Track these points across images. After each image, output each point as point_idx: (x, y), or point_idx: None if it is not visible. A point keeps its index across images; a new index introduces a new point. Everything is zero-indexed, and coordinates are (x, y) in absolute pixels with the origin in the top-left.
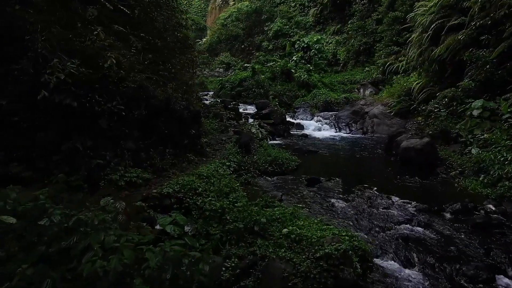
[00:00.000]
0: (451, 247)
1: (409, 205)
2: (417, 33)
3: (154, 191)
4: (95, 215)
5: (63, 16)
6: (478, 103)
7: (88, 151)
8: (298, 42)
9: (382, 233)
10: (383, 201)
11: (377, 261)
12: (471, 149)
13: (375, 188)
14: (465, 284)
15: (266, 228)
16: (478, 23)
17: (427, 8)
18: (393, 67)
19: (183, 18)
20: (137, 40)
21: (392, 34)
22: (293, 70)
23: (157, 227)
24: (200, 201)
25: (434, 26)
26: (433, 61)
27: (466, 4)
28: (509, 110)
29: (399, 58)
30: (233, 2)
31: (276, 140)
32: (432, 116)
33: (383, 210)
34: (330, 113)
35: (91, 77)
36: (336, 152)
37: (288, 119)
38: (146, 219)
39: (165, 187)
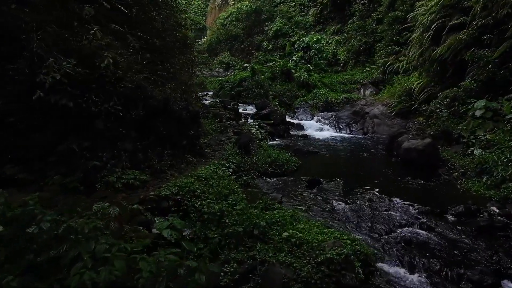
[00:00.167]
0: (455, 251)
1: (411, 207)
2: (418, 33)
3: (151, 193)
4: (85, 223)
5: (60, 15)
6: (481, 103)
7: (85, 152)
8: (298, 42)
9: (384, 236)
10: (384, 203)
11: (379, 265)
12: (473, 150)
13: (377, 190)
14: None
15: (266, 232)
16: (479, 23)
17: (428, 8)
18: (394, 67)
19: (182, 17)
20: (135, 39)
21: (392, 34)
22: (293, 70)
23: (155, 230)
24: (199, 203)
25: (435, 26)
26: (434, 61)
27: (467, 3)
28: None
29: (400, 58)
30: (232, 2)
31: (276, 140)
32: (434, 117)
33: (385, 212)
34: (330, 113)
35: (88, 77)
36: (337, 152)
37: (288, 119)
38: (143, 222)
39: (163, 189)
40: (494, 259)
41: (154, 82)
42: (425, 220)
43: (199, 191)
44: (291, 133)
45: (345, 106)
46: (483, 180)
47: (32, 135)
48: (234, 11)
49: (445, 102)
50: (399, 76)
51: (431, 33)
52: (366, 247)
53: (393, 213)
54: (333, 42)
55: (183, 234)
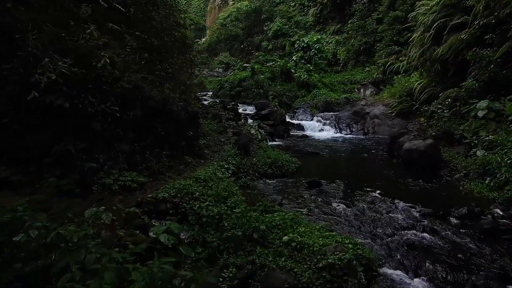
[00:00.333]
0: (459, 255)
1: (414, 209)
2: (419, 33)
3: (149, 195)
4: (75, 231)
5: (56, 14)
6: (483, 103)
7: (81, 154)
8: (297, 42)
9: (386, 239)
10: (386, 205)
11: (382, 270)
12: (476, 151)
13: (378, 191)
14: None
15: (265, 236)
16: (481, 22)
17: (429, 7)
18: (394, 67)
19: (182, 17)
20: (132, 39)
21: (392, 33)
22: (292, 70)
23: (152, 234)
24: (197, 206)
25: (436, 26)
26: (435, 61)
27: (468, 3)
28: None
29: (400, 58)
30: (232, 2)
31: (276, 141)
32: (435, 117)
33: (387, 214)
34: (331, 113)
35: (84, 77)
36: (337, 153)
37: (288, 119)
38: (140, 226)
39: (160, 191)
40: (499, 263)
41: (152, 82)
42: (427, 222)
43: (198, 193)
44: (291, 133)
45: (345, 106)
46: (486, 182)
47: (27, 136)
48: (233, 11)
49: (447, 102)
50: (399, 76)
51: (432, 32)
52: (368, 251)
53: (395, 215)
54: (333, 42)
55: (181, 237)
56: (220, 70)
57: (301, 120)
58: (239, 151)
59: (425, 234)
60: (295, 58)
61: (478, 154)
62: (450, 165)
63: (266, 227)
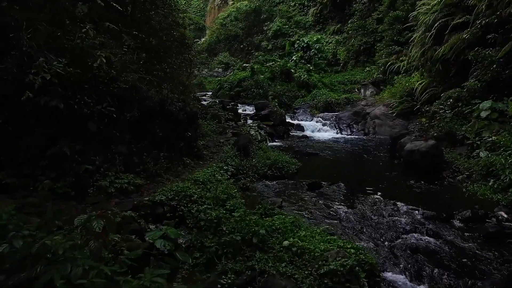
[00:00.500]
0: (464, 259)
1: (416, 212)
2: (420, 32)
3: (145, 198)
4: (60, 243)
5: (51, 13)
6: (487, 104)
7: (76, 156)
8: (297, 41)
9: (389, 243)
10: (388, 207)
11: (385, 275)
12: (479, 152)
13: (379, 193)
14: None
15: (265, 240)
16: (483, 22)
17: (430, 7)
18: (394, 67)
19: (181, 16)
20: (130, 38)
21: (393, 33)
22: (292, 70)
23: (148, 239)
24: (195, 209)
25: (437, 25)
26: (437, 61)
27: (470, 2)
28: None
29: (401, 58)
30: (232, 2)
31: (276, 141)
32: (437, 117)
33: (389, 217)
34: (331, 113)
35: (80, 77)
36: (338, 154)
37: (288, 120)
38: (136, 230)
39: (158, 194)
40: (505, 269)
41: (150, 83)
42: (431, 226)
43: (196, 195)
44: (291, 134)
45: (345, 107)
46: (490, 184)
47: (21, 138)
48: (233, 10)
49: (449, 103)
50: (400, 76)
51: (433, 32)
52: (371, 256)
53: (397, 218)
54: (333, 42)
55: (179, 242)
56: (220, 70)
57: (301, 120)
58: (239, 152)
59: (429, 238)
60: (295, 58)
61: (481, 155)
62: (453, 167)
63: (266, 231)
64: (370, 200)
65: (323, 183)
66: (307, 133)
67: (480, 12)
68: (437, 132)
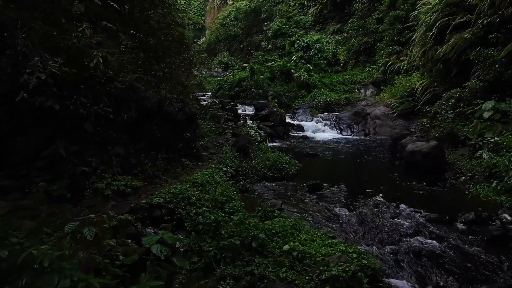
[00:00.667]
0: (468, 264)
1: (419, 214)
2: (421, 32)
3: (143, 201)
4: (46, 253)
5: (47, 11)
6: (489, 104)
7: (72, 157)
8: (297, 41)
9: (391, 246)
10: (390, 209)
11: (388, 280)
12: (481, 153)
13: (381, 195)
14: None
15: (265, 244)
16: (485, 21)
17: (430, 6)
18: (395, 67)
19: (180, 16)
20: (127, 37)
21: (393, 33)
22: (292, 70)
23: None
24: (194, 212)
25: (438, 25)
26: (438, 61)
27: (472, 1)
28: None
29: (401, 58)
30: (231, 2)
31: (276, 142)
32: (438, 118)
33: (391, 220)
34: (331, 114)
35: (76, 77)
36: (338, 155)
37: (287, 120)
38: (132, 234)
39: (155, 196)
40: (510, 273)
41: (148, 83)
42: (433, 228)
43: (194, 198)
44: (291, 134)
45: (345, 107)
46: (493, 185)
47: (16, 139)
48: (233, 10)
49: (450, 103)
50: (400, 76)
51: (434, 32)
52: (373, 260)
53: (399, 221)
54: (333, 41)
55: (176, 246)
56: (219, 70)
57: (301, 120)
58: (238, 153)
59: (432, 241)
60: (294, 58)
61: (484, 156)
62: (455, 168)
63: (266, 235)
64: (371, 202)
65: (324, 184)
66: (307, 133)
67: (482, 12)
68: (438, 132)
